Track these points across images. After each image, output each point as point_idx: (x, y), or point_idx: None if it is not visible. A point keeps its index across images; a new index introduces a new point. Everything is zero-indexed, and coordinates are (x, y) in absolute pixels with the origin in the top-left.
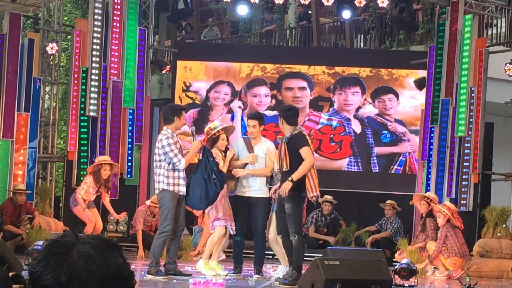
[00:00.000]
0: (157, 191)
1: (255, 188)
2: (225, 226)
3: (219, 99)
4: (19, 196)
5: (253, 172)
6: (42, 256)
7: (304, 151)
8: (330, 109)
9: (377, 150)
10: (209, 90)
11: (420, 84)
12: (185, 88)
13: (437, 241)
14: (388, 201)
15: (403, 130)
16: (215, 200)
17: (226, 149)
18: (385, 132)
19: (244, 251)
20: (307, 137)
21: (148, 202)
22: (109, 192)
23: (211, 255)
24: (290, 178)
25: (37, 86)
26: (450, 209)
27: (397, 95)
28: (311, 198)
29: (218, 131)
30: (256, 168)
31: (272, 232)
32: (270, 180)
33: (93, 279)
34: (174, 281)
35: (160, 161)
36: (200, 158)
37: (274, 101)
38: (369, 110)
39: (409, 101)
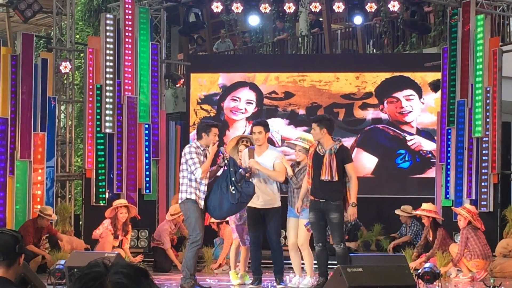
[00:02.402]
0: (180, 201)
1: (266, 199)
2: (237, 239)
3: (238, 111)
4: (45, 221)
5: (264, 170)
6: None
7: (351, 167)
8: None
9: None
10: (222, 99)
11: (434, 86)
12: (200, 101)
13: (459, 243)
14: (402, 207)
15: (431, 146)
16: (233, 211)
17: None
18: (402, 151)
19: (262, 261)
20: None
21: (168, 217)
22: (128, 237)
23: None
24: (353, 204)
25: (52, 105)
26: (470, 211)
27: (419, 92)
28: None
29: (237, 142)
30: (261, 175)
31: (292, 239)
32: (281, 186)
33: None
34: None
35: (183, 170)
36: (225, 168)
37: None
38: (372, 116)
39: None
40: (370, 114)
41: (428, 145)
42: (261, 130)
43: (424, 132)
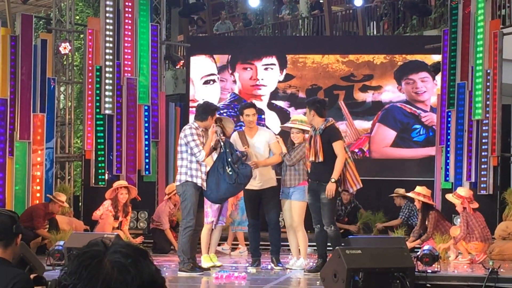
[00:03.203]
0: (177, 183)
1: (263, 179)
2: (211, 223)
3: (225, 90)
4: (57, 207)
5: (265, 163)
6: (74, 268)
7: (337, 146)
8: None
9: (405, 152)
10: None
11: (435, 68)
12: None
13: (460, 226)
14: (395, 190)
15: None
16: (230, 192)
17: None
18: (418, 126)
19: (261, 243)
20: (339, 129)
21: (166, 197)
22: (128, 218)
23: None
24: (333, 179)
25: (52, 86)
26: (461, 197)
27: (432, 74)
28: (354, 191)
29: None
30: (258, 157)
31: (288, 220)
32: (277, 167)
33: None
34: (198, 275)
35: (182, 152)
36: (221, 151)
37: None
38: (391, 96)
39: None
40: (370, 96)
41: None
42: (255, 112)
43: (436, 110)
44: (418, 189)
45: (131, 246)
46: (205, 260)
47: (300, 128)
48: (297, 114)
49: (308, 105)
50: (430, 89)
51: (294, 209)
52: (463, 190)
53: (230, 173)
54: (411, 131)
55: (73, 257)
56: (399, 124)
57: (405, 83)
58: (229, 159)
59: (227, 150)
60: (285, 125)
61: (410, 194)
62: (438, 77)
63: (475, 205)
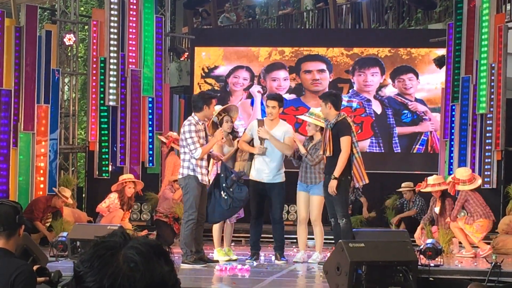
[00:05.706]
0: (180, 176)
1: (271, 173)
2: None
3: (238, 84)
4: (60, 202)
5: (273, 141)
6: (88, 256)
7: (343, 141)
8: (350, 91)
9: (398, 130)
10: (227, 76)
11: (439, 62)
12: (204, 74)
13: (456, 203)
14: (403, 184)
15: (423, 109)
16: (224, 216)
17: (233, 131)
18: (406, 111)
19: (262, 235)
20: (351, 124)
21: (170, 178)
22: (130, 211)
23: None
24: (333, 176)
25: (56, 77)
26: (454, 178)
27: (416, 74)
28: (361, 186)
29: (219, 114)
30: (272, 153)
31: (303, 213)
32: (292, 162)
33: (136, 287)
34: (200, 268)
35: (184, 146)
36: (218, 172)
37: (294, 84)
38: (389, 90)
39: (430, 80)
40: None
41: (422, 108)
42: (275, 104)
43: (419, 100)
44: (434, 180)
45: (148, 244)
46: (219, 254)
47: (313, 122)
48: (315, 108)
49: (324, 98)
50: (415, 85)
51: (313, 204)
52: (459, 172)
53: (226, 197)
54: (401, 115)
55: (91, 245)
56: (392, 109)
57: (397, 81)
58: (224, 184)
59: (222, 175)
60: (300, 116)
61: (426, 190)
62: (422, 77)
63: (473, 185)
